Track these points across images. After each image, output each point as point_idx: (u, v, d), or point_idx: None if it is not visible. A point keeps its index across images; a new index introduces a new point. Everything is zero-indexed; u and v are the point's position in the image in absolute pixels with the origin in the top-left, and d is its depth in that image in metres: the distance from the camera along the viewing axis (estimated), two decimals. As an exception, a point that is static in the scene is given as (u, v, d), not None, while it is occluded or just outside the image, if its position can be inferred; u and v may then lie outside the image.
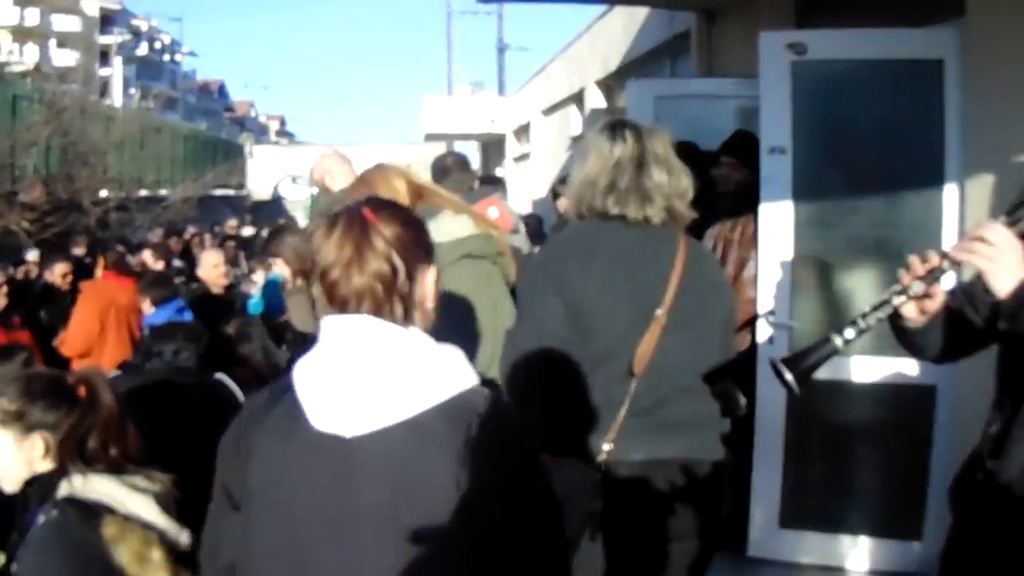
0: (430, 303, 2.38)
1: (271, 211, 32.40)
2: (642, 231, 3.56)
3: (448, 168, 6.80)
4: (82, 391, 3.10)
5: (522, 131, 26.70)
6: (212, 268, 8.71)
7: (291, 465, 2.13)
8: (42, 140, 15.50)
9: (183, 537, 3.02)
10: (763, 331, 6.09)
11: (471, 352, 4.28)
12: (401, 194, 4.45)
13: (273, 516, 2.16)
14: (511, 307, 4.50)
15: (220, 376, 4.38)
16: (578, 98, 19.22)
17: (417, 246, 2.32)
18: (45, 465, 3.07)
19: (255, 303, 9.46)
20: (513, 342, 3.63)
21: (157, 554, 2.91)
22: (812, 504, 6.12)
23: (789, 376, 3.44)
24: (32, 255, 11.82)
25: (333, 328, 2.18)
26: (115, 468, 3.04)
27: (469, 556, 2.08)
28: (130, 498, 2.97)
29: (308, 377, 2.18)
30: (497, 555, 2.11)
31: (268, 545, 2.15)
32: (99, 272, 10.01)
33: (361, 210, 2.22)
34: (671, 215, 3.60)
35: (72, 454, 3.02)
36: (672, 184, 3.61)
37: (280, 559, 2.13)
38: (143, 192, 20.38)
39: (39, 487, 3.03)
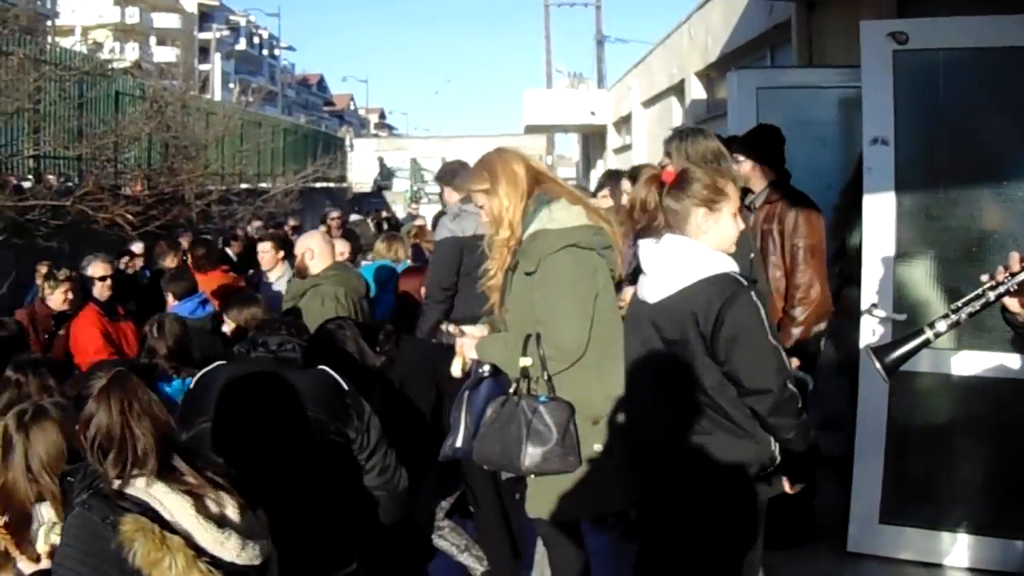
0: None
1: (372, 203, 32.81)
2: None
3: (455, 170, 7.45)
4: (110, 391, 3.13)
5: (622, 122, 26.68)
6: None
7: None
8: (144, 135, 15.88)
9: (228, 546, 3.02)
10: (866, 325, 6.12)
11: (564, 332, 4.47)
12: (520, 178, 4.60)
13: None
14: (613, 300, 4.64)
15: (323, 367, 4.51)
16: (679, 89, 19.19)
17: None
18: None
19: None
20: None
21: (181, 560, 2.91)
22: (913, 500, 6.12)
23: (878, 365, 3.57)
24: (137, 247, 12.23)
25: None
26: (165, 468, 3.06)
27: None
28: (168, 499, 3.00)
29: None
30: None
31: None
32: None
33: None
34: None
35: (105, 468, 3.05)
36: None
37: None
38: (244, 185, 20.77)
39: (84, 476, 3.13)
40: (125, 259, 11.32)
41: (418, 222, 16.05)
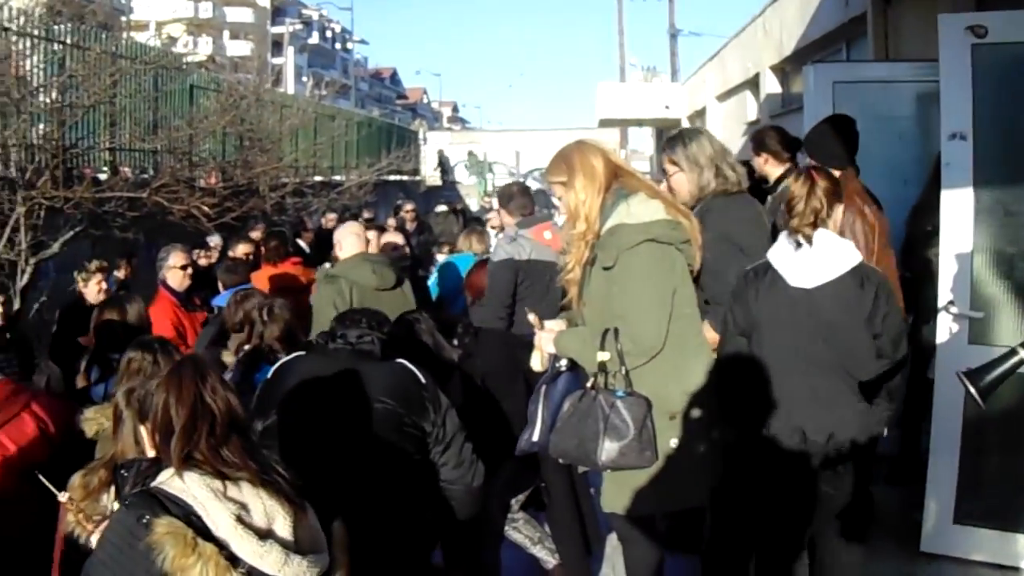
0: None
1: (445, 196, 32.93)
2: None
3: (513, 194, 7.70)
4: (169, 379, 3.17)
5: (697, 116, 26.53)
6: (391, 252, 8.93)
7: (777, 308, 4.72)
8: (219, 128, 16.11)
9: (268, 559, 2.98)
10: (943, 322, 6.08)
11: (642, 326, 4.50)
12: (597, 172, 4.66)
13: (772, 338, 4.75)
14: (691, 294, 4.67)
15: (401, 360, 4.57)
16: (753, 83, 19.08)
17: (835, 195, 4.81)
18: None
19: (431, 284, 9.84)
20: None
21: (212, 569, 2.88)
22: (988, 500, 6.06)
23: (972, 389, 3.66)
24: (215, 240, 12.43)
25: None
26: (221, 472, 3.05)
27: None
28: (211, 505, 2.98)
29: (781, 260, 4.73)
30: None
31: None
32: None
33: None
34: None
35: (163, 445, 3.11)
36: None
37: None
38: (318, 178, 20.96)
39: (136, 472, 3.25)
40: (200, 251, 11.54)
41: (491, 216, 16.11)
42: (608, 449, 4.39)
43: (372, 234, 8.99)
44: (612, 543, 6.43)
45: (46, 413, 4.67)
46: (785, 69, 16.99)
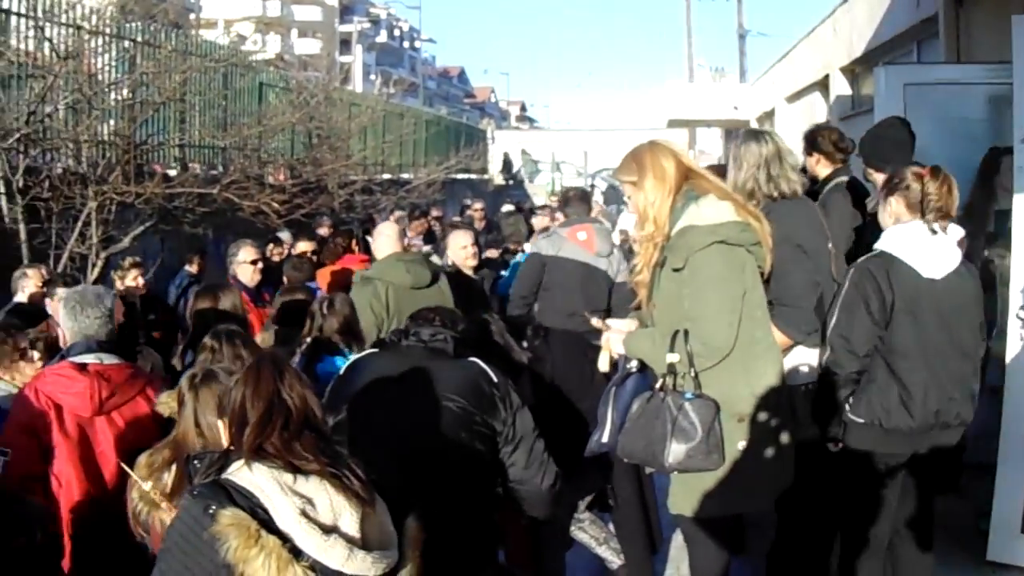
0: None
1: (513, 195, 32.98)
2: None
3: (569, 199, 8.53)
4: (248, 374, 3.26)
5: (766, 117, 26.45)
6: (460, 249, 8.96)
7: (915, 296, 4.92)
8: (289, 126, 16.24)
9: (332, 553, 3.01)
10: (1013, 328, 6.05)
11: (712, 329, 4.48)
12: (668, 173, 4.66)
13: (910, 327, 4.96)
14: (761, 296, 4.69)
15: (474, 358, 4.58)
16: (823, 85, 18.99)
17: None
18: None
19: (505, 282, 9.86)
20: None
21: (275, 561, 2.93)
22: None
23: None
24: (286, 235, 12.54)
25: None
26: (291, 466, 3.10)
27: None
28: (277, 499, 3.03)
29: (911, 251, 4.93)
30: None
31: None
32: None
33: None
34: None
35: (237, 436, 3.18)
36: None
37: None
38: (386, 176, 21.08)
39: (206, 464, 3.27)
40: (272, 246, 11.66)
41: (540, 215, 16.12)
42: (675, 451, 4.41)
43: (467, 235, 9.27)
44: (677, 544, 6.54)
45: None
46: (855, 70, 16.90)
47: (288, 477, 3.06)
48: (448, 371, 4.34)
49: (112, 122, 12.38)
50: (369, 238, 11.45)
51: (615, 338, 4.90)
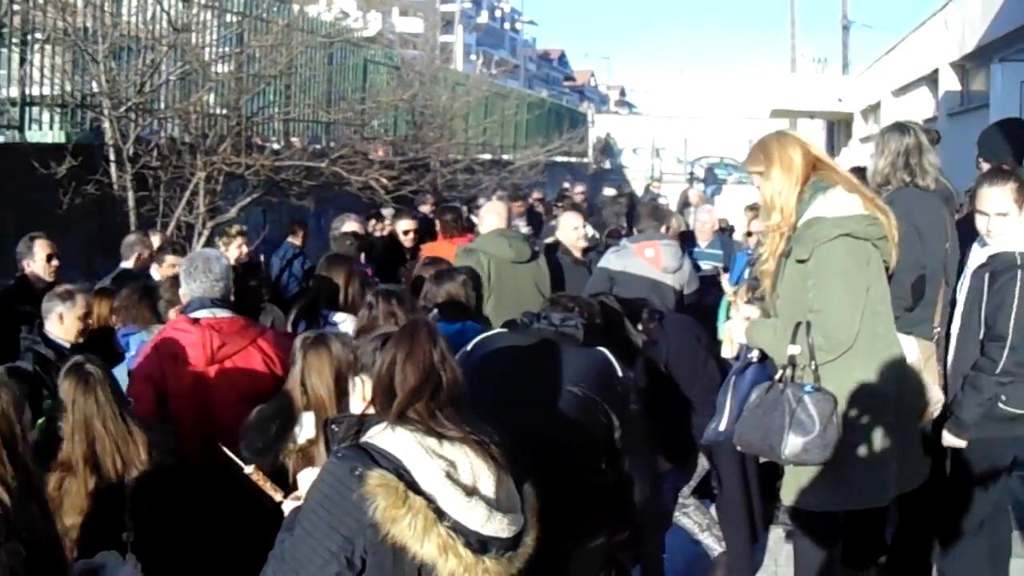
0: None
1: (611, 179, 32.90)
2: None
3: (640, 214, 8.79)
4: (400, 339, 3.35)
5: (870, 111, 26.13)
6: (572, 231, 9.04)
7: None
8: (393, 103, 16.34)
9: (474, 514, 3.09)
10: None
11: (835, 322, 4.48)
12: (795, 163, 4.66)
13: None
14: (885, 291, 4.67)
15: (601, 348, 4.62)
16: (931, 79, 18.71)
17: None
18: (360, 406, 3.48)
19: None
20: None
21: (421, 521, 3.01)
22: None
23: None
24: (388, 212, 12.63)
25: None
26: (433, 430, 3.19)
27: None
28: (421, 461, 3.11)
29: None
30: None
31: None
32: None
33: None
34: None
35: (382, 400, 3.28)
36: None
37: None
38: (487, 156, 21.14)
39: (345, 427, 3.39)
40: (372, 222, 11.76)
41: (661, 202, 16.06)
42: (792, 443, 4.42)
43: (579, 217, 9.50)
44: (775, 535, 6.64)
45: (272, 349, 5.33)
46: (965, 66, 16.64)
47: (431, 441, 3.14)
48: (575, 357, 4.40)
49: (212, 96, 12.58)
50: (474, 217, 11.58)
51: (737, 327, 4.92)
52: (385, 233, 11.61)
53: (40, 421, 5.55)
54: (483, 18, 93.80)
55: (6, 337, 7.22)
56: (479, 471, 3.19)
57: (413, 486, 3.05)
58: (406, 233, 10.92)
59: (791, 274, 4.64)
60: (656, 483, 5.23)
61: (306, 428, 4.53)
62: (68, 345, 6.45)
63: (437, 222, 10.54)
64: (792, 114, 33.97)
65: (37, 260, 7.83)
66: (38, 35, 10.87)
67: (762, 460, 5.11)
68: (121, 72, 10.95)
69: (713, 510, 6.71)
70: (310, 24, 15.69)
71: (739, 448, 4.84)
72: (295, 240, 11.28)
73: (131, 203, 10.63)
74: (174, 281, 6.11)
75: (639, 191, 24.74)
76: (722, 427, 4.88)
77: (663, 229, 8.25)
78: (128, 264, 8.59)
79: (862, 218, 4.51)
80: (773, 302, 4.83)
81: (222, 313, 5.42)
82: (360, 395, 3.54)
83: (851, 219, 4.50)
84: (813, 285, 4.52)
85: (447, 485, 3.09)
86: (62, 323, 6.42)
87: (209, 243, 10.92)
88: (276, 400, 4.69)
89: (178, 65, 11.73)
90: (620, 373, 4.43)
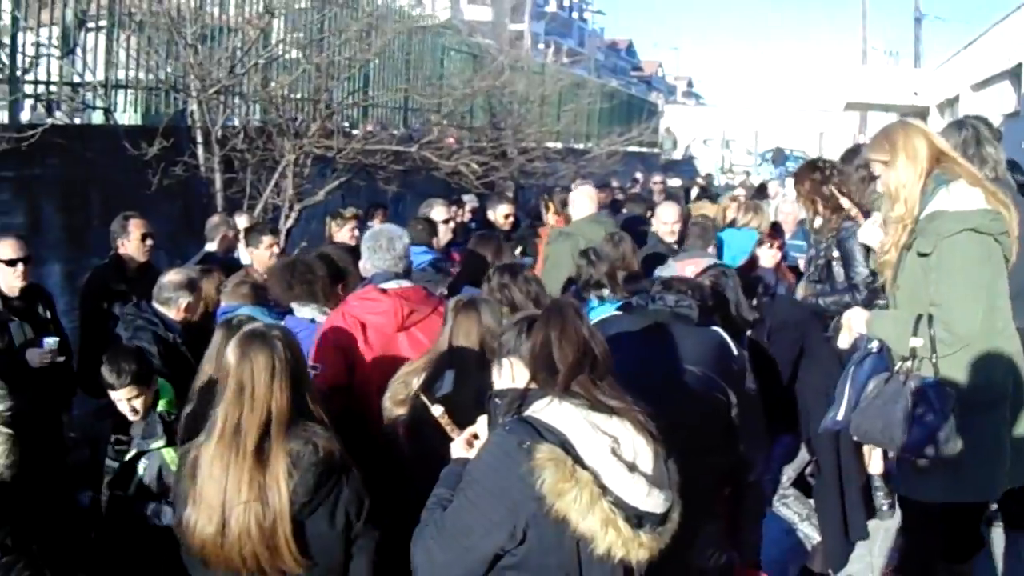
0: None
1: (683, 170, 32.75)
2: None
3: (689, 233, 8.54)
4: (550, 318, 3.45)
5: (948, 105, 25.78)
6: (663, 224, 9.15)
7: None
8: (481, 91, 16.35)
9: (635, 489, 3.18)
10: None
11: (958, 316, 4.47)
12: (920, 155, 4.65)
13: None
14: (1005, 286, 4.66)
15: (716, 328, 4.63)
16: (1014, 74, 18.44)
17: None
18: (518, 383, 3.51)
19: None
20: None
21: (587, 495, 3.07)
22: None
23: None
24: (470, 198, 12.67)
25: None
26: (597, 405, 3.29)
27: None
28: (586, 435, 3.19)
29: None
30: None
31: None
32: (549, 216, 10.91)
33: None
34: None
35: (543, 376, 3.36)
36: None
37: None
38: (555, 144, 21.10)
39: (508, 401, 3.43)
40: (454, 208, 11.78)
41: (738, 192, 15.93)
42: (914, 436, 4.42)
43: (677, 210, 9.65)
44: (871, 524, 6.52)
45: None
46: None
47: (596, 416, 3.22)
48: (692, 337, 4.49)
49: (300, 80, 12.64)
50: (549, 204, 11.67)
51: (857, 317, 4.90)
52: (465, 220, 11.64)
53: (164, 401, 5.69)
54: (551, 7, 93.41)
55: (100, 314, 7.31)
56: (639, 446, 3.26)
57: (578, 460, 3.11)
58: (506, 217, 11.12)
59: (912, 266, 4.65)
60: (768, 465, 5.23)
61: (446, 384, 4.76)
62: (180, 328, 6.54)
63: (551, 204, 11.47)
64: (866, 107, 33.64)
65: (131, 239, 7.93)
66: (126, 18, 10.93)
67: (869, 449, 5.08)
68: (210, 55, 11.00)
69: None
70: (393, 12, 15.70)
71: (855, 438, 4.89)
72: (375, 224, 11.32)
73: (218, 185, 10.72)
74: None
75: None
76: (840, 416, 4.88)
77: (709, 249, 8.19)
78: (213, 246, 8.68)
79: (985, 213, 4.49)
80: (892, 293, 4.86)
81: (406, 283, 5.87)
82: (509, 377, 3.58)
83: (974, 214, 4.48)
84: (935, 279, 4.53)
85: (612, 460, 3.15)
86: (184, 312, 6.52)
87: (295, 225, 11.05)
88: (425, 356, 5.01)
89: (268, 49, 11.79)
90: (735, 352, 4.53)
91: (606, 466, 3.15)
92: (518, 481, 3.10)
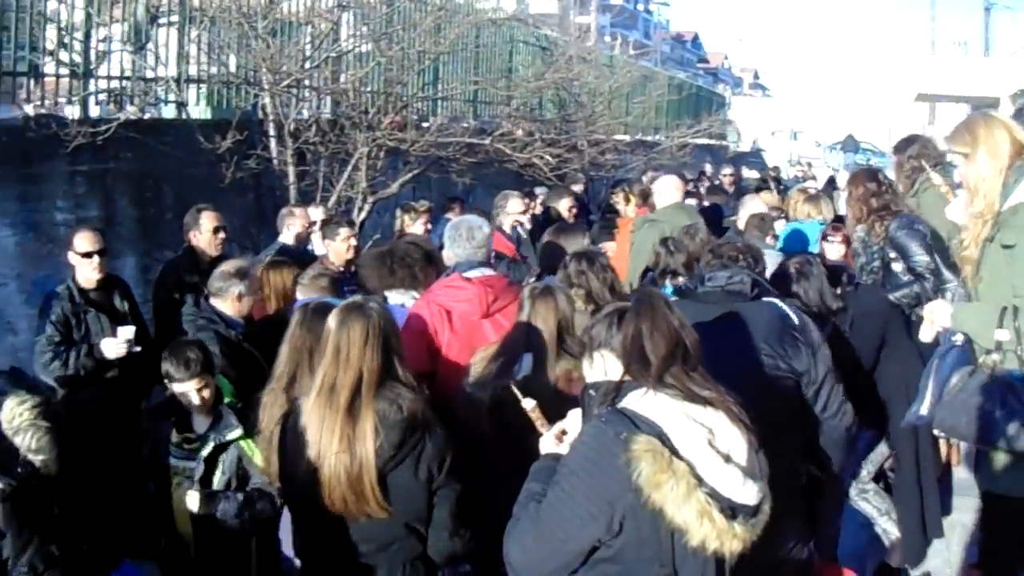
0: None
1: (752, 162, 32.57)
2: None
3: (748, 226, 8.66)
4: (641, 310, 3.44)
5: (1020, 95, 25.33)
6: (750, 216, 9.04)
7: None
8: (550, 85, 16.30)
9: (730, 481, 3.17)
10: None
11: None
12: (1002, 148, 4.57)
13: None
14: None
15: (773, 299, 4.58)
16: (1086, 62, 18.05)
17: None
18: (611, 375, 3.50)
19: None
20: None
21: (683, 486, 3.07)
22: None
23: None
24: (541, 191, 12.62)
25: None
26: (691, 396, 3.29)
27: None
28: (683, 427, 3.19)
29: None
30: None
31: None
32: (630, 208, 10.88)
33: None
34: None
35: (637, 368, 3.35)
36: None
37: None
38: (622, 137, 21.02)
39: (602, 392, 3.44)
40: (527, 200, 11.74)
41: (809, 183, 15.78)
42: (1003, 430, 4.31)
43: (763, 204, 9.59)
44: (947, 522, 6.47)
45: None
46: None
47: (690, 407, 3.24)
48: (748, 314, 4.53)
49: (373, 73, 12.62)
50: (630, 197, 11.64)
51: (941, 310, 4.81)
52: (536, 212, 11.58)
53: (227, 392, 5.68)
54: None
55: (173, 306, 7.32)
56: (733, 437, 3.26)
57: (674, 451, 3.12)
58: (570, 209, 11.01)
59: (995, 259, 4.55)
60: (851, 447, 5.19)
61: (524, 367, 5.00)
62: (242, 323, 6.50)
63: (632, 198, 11.71)
64: (936, 98, 33.27)
65: (204, 232, 7.99)
66: (197, 14, 10.97)
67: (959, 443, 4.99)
68: (283, 48, 11.01)
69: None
70: (462, 6, 15.68)
71: (938, 433, 4.82)
72: (452, 216, 11.30)
73: (291, 178, 10.73)
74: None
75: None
76: (923, 411, 4.80)
77: (768, 239, 8.14)
78: (286, 238, 8.66)
79: None
80: (974, 287, 4.76)
81: (489, 271, 6.06)
82: (601, 370, 3.58)
83: None
84: (1020, 271, 4.43)
85: (708, 451, 3.16)
86: (239, 302, 6.48)
87: (367, 218, 11.05)
88: (502, 341, 5.24)
89: (338, 43, 11.80)
90: (796, 320, 4.52)
91: (702, 457, 3.15)
92: (615, 472, 3.10)
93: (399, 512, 4.19)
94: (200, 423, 5.62)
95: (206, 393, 5.56)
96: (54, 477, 4.28)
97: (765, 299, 4.64)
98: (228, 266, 6.74)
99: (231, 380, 6.02)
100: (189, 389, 5.50)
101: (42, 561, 4.18)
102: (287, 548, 5.07)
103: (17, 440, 4.15)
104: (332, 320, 4.30)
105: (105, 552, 5.18)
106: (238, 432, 5.50)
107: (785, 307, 4.59)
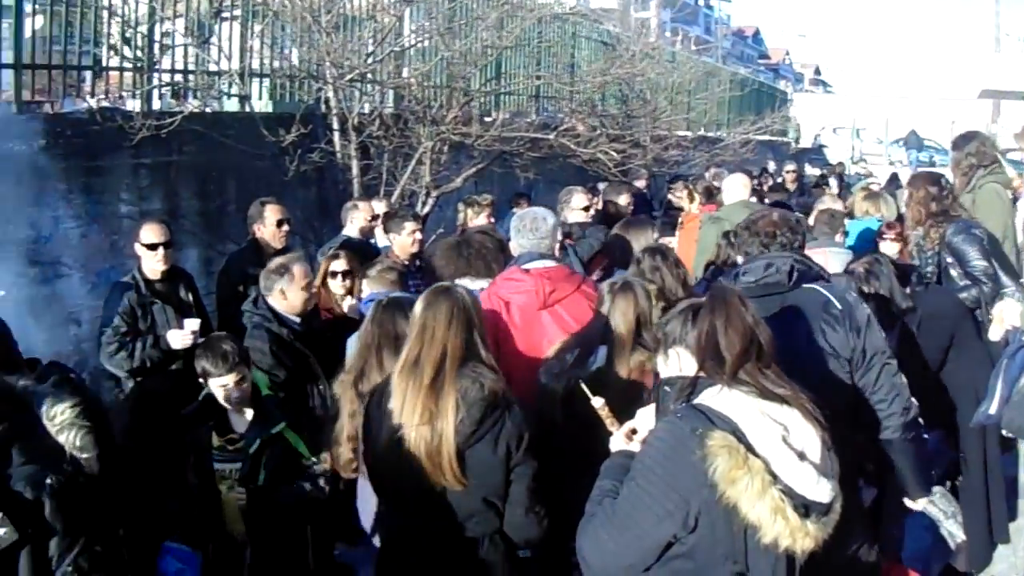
0: None
1: (814, 159, 32.33)
2: None
3: (817, 222, 8.23)
4: (715, 306, 3.43)
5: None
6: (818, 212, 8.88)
7: None
8: (606, 78, 16.22)
9: (804, 478, 3.15)
10: None
11: None
12: None
13: None
14: None
15: (812, 286, 4.55)
16: None
17: None
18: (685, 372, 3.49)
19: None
20: None
21: (758, 483, 3.05)
22: None
23: None
24: (603, 186, 12.55)
25: None
26: (765, 393, 3.27)
27: None
28: (758, 424, 3.18)
29: None
30: None
31: None
32: (694, 205, 11.30)
33: None
34: None
35: (711, 365, 3.34)
36: None
37: None
38: (684, 132, 20.95)
39: (678, 388, 3.43)
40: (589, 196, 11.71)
41: (871, 181, 15.64)
42: None
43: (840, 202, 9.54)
44: (1014, 527, 6.53)
45: (594, 294, 5.68)
46: None
47: (765, 404, 3.23)
48: (788, 305, 4.56)
49: (435, 67, 12.62)
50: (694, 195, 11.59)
51: (1011, 309, 4.75)
52: (598, 208, 11.54)
53: (266, 392, 5.66)
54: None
55: (237, 298, 7.34)
56: (808, 435, 3.24)
57: (749, 448, 3.11)
58: (628, 204, 10.99)
59: None
60: (920, 444, 5.13)
61: (599, 359, 5.08)
62: (298, 320, 6.48)
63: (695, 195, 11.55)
64: (1003, 95, 32.82)
65: (267, 225, 8.02)
66: (260, 8, 10.98)
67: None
68: (344, 43, 11.00)
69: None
70: (525, 1, 15.65)
71: (1006, 432, 4.82)
72: (519, 211, 11.29)
73: (355, 171, 10.72)
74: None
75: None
76: (992, 410, 4.75)
77: (837, 237, 8.02)
78: (351, 230, 8.67)
79: None
80: None
81: (550, 263, 6.01)
82: (676, 366, 3.56)
83: None
84: None
85: (782, 448, 3.15)
86: (285, 298, 6.47)
87: (431, 212, 11.04)
88: (579, 333, 5.32)
89: (404, 36, 11.79)
90: (840, 306, 4.48)
91: (777, 454, 3.14)
92: (690, 468, 3.10)
93: (477, 487, 4.26)
94: (239, 422, 5.65)
95: (245, 385, 5.59)
96: (97, 476, 4.25)
97: (805, 286, 4.57)
98: (272, 263, 6.77)
99: (280, 379, 6.10)
100: (228, 382, 5.52)
101: (87, 561, 4.15)
102: (365, 522, 5.12)
103: (61, 438, 4.13)
104: (420, 302, 4.43)
105: (150, 537, 5.19)
106: (283, 424, 5.56)
107: (826, 292, 4.52)
